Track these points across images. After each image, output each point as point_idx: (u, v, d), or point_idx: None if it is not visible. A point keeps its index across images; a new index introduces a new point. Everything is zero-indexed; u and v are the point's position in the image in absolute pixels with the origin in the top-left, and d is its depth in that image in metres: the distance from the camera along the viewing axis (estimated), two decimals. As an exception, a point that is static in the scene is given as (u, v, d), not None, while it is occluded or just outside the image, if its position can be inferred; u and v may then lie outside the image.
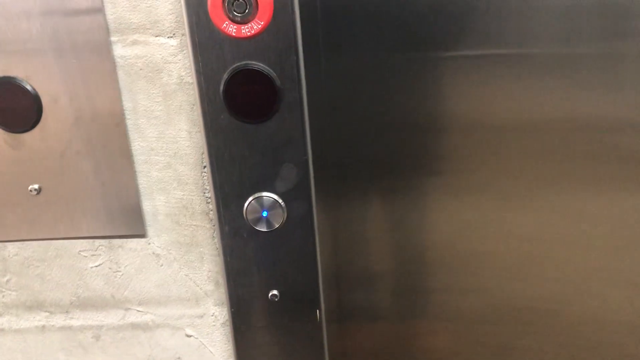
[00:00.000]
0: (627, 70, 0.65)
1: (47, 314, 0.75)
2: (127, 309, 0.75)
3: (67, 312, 0.75)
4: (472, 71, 0.66)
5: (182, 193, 0.69)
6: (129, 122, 0.66)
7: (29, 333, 0.76)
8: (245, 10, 0.57)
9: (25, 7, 0.61)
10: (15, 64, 0.63)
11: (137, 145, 0.67)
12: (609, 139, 0.69)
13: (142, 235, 0.71)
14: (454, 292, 0.79)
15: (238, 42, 0.59)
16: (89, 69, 0.63)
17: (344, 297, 0.79)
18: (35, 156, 0.67)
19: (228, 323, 0.74)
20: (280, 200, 0.66)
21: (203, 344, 0.76)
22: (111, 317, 0.75)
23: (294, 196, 0.66)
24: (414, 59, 0.66)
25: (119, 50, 0.62)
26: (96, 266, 0.72)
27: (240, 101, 0.61)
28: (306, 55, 0.61)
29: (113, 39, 0.62)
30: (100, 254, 0.72)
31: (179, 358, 0.77)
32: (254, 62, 0.60)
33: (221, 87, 0.61)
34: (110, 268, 0.72)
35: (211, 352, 0.76)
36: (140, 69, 0.63)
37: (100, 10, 0.61)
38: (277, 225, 0.67)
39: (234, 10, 0.57)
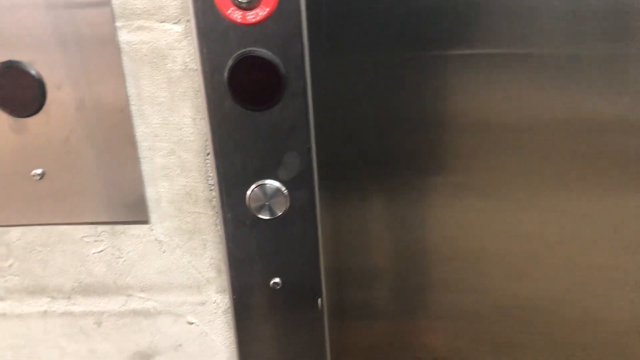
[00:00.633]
0: (633, 71, 0.65)
1: (49, 299, 0.75)
2: (129, 296, 0.75)
3: (69, 297, 0.75)
4: (476, 70, 0.66)
5: (186, 180, 0.69)
6: (133, 108, 0.66)
7: (31, 318, 0.76)
8: (251, -4, 0.57)
9: (30, -9, 0.60)
10: (19, 49, 0.63)
11: (141, 132, 0.67)
12: (613, 139, 0.69)
13: (145, 221, 0.71)
14: (455, 290, 0.79)
15: (243, 28, 0.59)
16: (93, 54, 0.63)
17: (344, 294, 0.79)
18: (39, 141, 0.67)
19: (230, 310, 0.74)
20: (283, 188, 0.66)
21: (204, 331, 0.76)
22: (113, 304, 0.75)
23: (297, 184, 0.66)
24: (418, 57, 0.66)
25: (123, 36, 0.62)
26: (98, 252, 0.73)
27: (244, 88, 0.61)
28: (311, 45, 0.61)
29: (118, 24, 0.62)
30: (102, 240, 0.72)
31: (180, 345, 0.77)
32: (258, 49, 0.60)
33: (225, 74, 0.61)
34: (112, 254, 0.73)
35: (212, 340, 0.76)
36: (145, 55, 0.63)
37: (105, -5, 0.61)
38: (279, 213, 0.67)
39: (240, -4, 0.57)
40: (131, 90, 0.65)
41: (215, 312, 0.75)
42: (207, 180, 0.69)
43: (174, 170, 0.69)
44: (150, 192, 0.70)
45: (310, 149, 0.64)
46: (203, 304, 0.75)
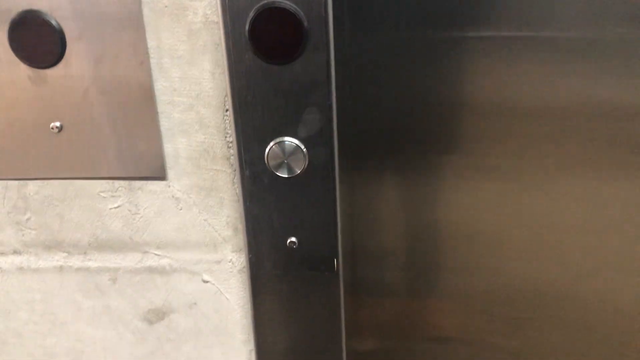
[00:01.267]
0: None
1: (66, 254, 0.76)
2: (144, 252, 0.75)
3: (85, 253, 0.75)
4: (495, 53, 0.66)
5: (204, 136, 0.68)
6: (153, 61, 0.65)
7: (47, 273, 0.77)
8: (275, -56, 0.56)
9: (51, -64, 0.60)
10: (39, -2, 0.62)
11: (160, 86, 0.66)
12: (630, 125, 0.68)
13: (162, 177, 0.70)
14: (466, 270, 0.79)
15: (266, -22, 0.58)
16: (114, 4, 0.62)
17: (356, 271, 0.79)
18: (58, 93, 0.67)
19: (245, 270, 0.74)
20: (302, 146, 0.65)
21: (219, 290, 0.76)
22: (128, 260, 0.75)
23: (317, 142, 0.65)
24: (439, 38, 0.66)
25: (144, -14, 0.61)
26: (115, 208, 0.72)
27: (265, 41, 0.60)
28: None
29: (139, -27, 0.61)
30: (119, 196, 0.72)
31: (195, 303, 0.77)
32: (281, 0, 0.58)
33: (247, 26, 0.60)
34: (129, 210, 0.72)
35: (227, 299, 0.76)
36: (166, 6, 0.62)
37: (127, -58, 0.60)
38: (298, 171, 0.66)
39: (264, -55, 0.56)
40: (151, 43, 0.64)
41: (231, 271, 0.75)
42: (226, 137, 0.68)
43: (192, 126, 0.68)
44: (168, 148, 0.69)
45: (331, 106, 0.63)
46: (219, 262, 0.75)
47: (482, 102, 0.69)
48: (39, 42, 0.64)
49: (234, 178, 0.70)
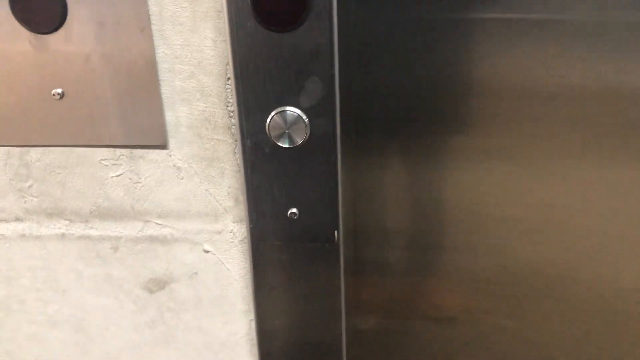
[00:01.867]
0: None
1: (67, 222, 0.76)
2: (146, 222, 0.75)
3: (86, 221, 0.76)
4: (504, 35, 0.65)
5: (205, 105, 0.68)
6: (154, 28, 0.64)
7: (49, 240, 0.77)
8: None
9: None
10: (40, -38, 0.62)
11: (162, 53, 0.66)
12: (638, 109, 0.67)
13: (164, 146, 0.70)
14: (470, 251, 0.79)
15: (269, -57, 0.57)
16: (115, -31, 0.62)
17: (358, 250, 0.79)
18: (59, 59, 0.66)
19: (246, 240, 0.74)
20: (304, 116, 0.65)
21: (220, 260, 0.76)
22: (130, 229, 0.76)
23: (318, 112, 0.65)
24: (447, 18, 0.65)
25: (146, -50, 0.61)
26: (117, 176, 0.72)
27: (268, 8, 0.59)
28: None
29: (141, -63, 0.60)
30: (121, 164, 0.72)
31: (195, 273, 0.77)
32: (284, -34, 0.58)
33: (249, -7, 0.59)
34: (130, 179, 0.72)
35: (228, 269, 0.77)
36: (168, -28, 0.62)
37: None
38: (299, 142, 0.66)
39: None
40: (153, 9, 0.63)
41: (232, 242, 0.75)
42: (227, 106, 0.68)
43: (193, 94, 0.68)
44: (170, 117, 0.69)
45: (334, 75, 0.63)
46: (219, 232, 0.75)
47: (488, 81, 0.68)
48: (40, 7, 0.63)
49: (235, 148, 0.70)
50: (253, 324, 0.79)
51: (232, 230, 0.75)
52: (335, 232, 0.71)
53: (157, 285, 0.78)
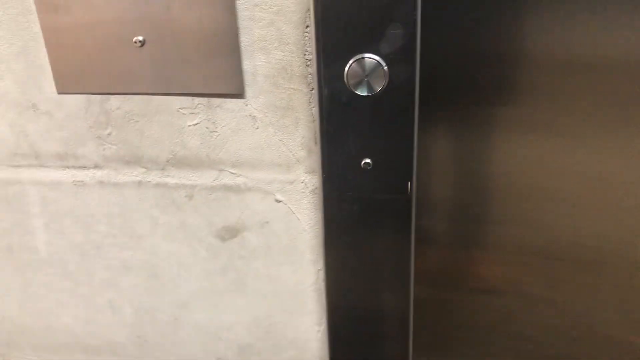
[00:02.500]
0: None
1: (144, 170, 0.78)
2: (220, 170, 0.76)
3: (163, 169, 0.77)
4: (556, 7, 0.64)
5: (282, 54, 0.68)
6: (236, -26, 0.65)
7: (126, 187, 0.79)
8: None
9: None
10: None
11: (242, 0, 0.66)
12: None
13: (241, 95, 0.71)
14: (515, 224, 0.79)
15: None
16: None
17: None
18: (141, 6, 0.67)
19: (317, 191, 0.75)
20: (383, 63, 0.64)
21: (291, 210, 0.77)
22: (205, 177, 0.77)
23: (398, 59, 0.64)
24: None
25: None
26: (194, 125, 0.74)
27: (353, -49, 0.59)
28: None
29: None
30: (198, 113, 0.73)
31: (266, 222, 0.79)
32: None
33: (334, -64, 0.59)
34: (207, 127, 0.74)
35: (298, 219, 0.78)
36: None
37: None
38: (378, 89, 0.66)
39: None
40: (235, -45, 0.64)
41: (303, 192, 0.76)
42: (304, 54, 0.68)
43: (271, 42, 0.68)
44: (247, 66, 0.70)
45: (416, 20, 0.62)
46: (292, 182, 0.76)
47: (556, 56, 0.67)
48: (125, -47, 0.64)
49: (311, 98, 0.70)
50: (321, 274, 0.81)
51: (303, 180, 0.75)
52: (409, 183, 0.71)
53: (229, 233, 0.80)
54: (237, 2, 0.66)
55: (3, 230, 0.86)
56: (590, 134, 0.72)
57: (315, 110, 0.70)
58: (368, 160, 0.71)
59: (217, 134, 0.74)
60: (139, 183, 0.79)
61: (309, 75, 0.69)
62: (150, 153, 0.77)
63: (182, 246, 0.82)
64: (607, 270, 0.80)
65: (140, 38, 0.69)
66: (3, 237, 0.86)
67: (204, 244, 0.82)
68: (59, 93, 0.74)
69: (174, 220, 0.81)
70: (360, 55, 0.65)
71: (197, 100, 0.72)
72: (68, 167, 0.79)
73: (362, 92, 0.66)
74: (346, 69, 0.65)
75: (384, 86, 0.66)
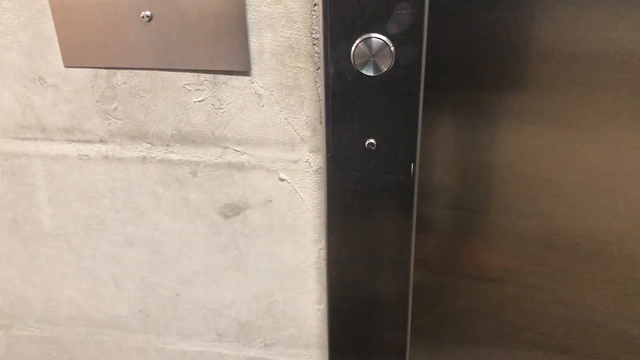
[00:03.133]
0: None
1: (149, 145, 0.78)
2: (225, 148, 0.77)
3: (167, 145, 0.78)
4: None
5: (290, 32, 0.68)
6: (245, -50, 0.64)
7: (130, 162, 0.80)
8: None
9: None
10: None
11: (251, -24, 0.66)
12: None
13: (247, 72, 0.71)
14: (515, 213, 0.79)
15: None
16: None
17: None
18: (150, -19, 0.67)
19: (320, 171, 0.76)
20: (389, 43, 0.64)
21: (294, 189, 0.78)
22: (209, 154, 0.77)
23: (405, 40, 0.64)
24: None
25: None
26: (199, 101, 0.74)
27: None
28: None
29: None
30: (204, 89, 0.73)
31: (270, 201, 0.79)
32: None
33: None
34: (212, 104, 0.74)
35: (301, 198, 0.78)
36: None
37: None
38: (384, 69, 0.66)
39: None
40: None
41: (307, 171, 0.77)
42: (312, 33, 0.68)
43: (279, 20, 0.68)
44: (254, 43, 0.70)
45: (424, 2, 0.62)
46: (296, 162, 0.76)
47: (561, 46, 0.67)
48: None
49: (317, 77, 0.70)
50: (322, 253, 0.81)
51: (307, 160, 0.76)
52: (412, 164, 0.72)
53: (232, 210, 0.81)
54: (246, -22, 0.66)
55: (8, 203, 0.86)
56: (597, 125, 0.72)
57: (320, 90, 0.70)
58: (372, 140, 0.71)
59: (222, 111, 0.74)
60: (144, 159, 0.79)
61: (316, 54, 0.69)
62: (155, 129, 0.77)
63: (185, 223, 0.83)
64: (611, 262, 0.80)
65: (148, 13, 0.69)
66: (8, 210, 0.87)
67: (207, 221, 0.82)
68: (66, 66, 0.74)
69: (177, 197, 0.81)
70: (367, 35, 0.65)
71: (203, 76, 0.72)
72: (74, 141, 0.80)
73: (368, 72, 0.66)
74: (353, 48, 0.65)
75: (390, 67, 0.66)
